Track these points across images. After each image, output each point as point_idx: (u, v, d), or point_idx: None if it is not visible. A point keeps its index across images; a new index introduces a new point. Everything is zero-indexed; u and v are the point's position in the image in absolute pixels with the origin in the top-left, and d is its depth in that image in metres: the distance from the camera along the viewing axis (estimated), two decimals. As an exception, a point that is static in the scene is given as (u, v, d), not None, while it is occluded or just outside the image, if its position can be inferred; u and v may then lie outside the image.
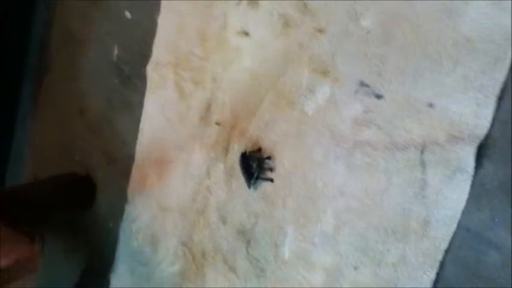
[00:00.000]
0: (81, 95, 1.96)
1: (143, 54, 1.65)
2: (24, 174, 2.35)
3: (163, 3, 1.59)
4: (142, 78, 1.66)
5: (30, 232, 1.80)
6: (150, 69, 1.64)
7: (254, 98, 1.35)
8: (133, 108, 1.71)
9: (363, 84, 1.13)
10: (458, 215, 0.99)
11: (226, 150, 1.43)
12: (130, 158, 1.72)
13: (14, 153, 2.42)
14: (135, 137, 1.70)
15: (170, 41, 1.58)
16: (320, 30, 1.21)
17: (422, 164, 1.02)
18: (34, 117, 2.28)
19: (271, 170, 1.31)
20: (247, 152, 1.34)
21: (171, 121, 1.58)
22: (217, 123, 1.44)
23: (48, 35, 2.16)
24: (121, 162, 1.77)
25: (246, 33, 1.37)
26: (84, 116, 1.95)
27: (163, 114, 1.61)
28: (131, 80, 1.72)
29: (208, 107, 1.47)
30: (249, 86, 1.36)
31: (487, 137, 0.96)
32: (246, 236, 1.37)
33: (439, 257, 1.01)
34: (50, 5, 2.14)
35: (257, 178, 1.33)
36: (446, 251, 1.01)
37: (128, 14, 1.73)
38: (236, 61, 1.40)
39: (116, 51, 1.79)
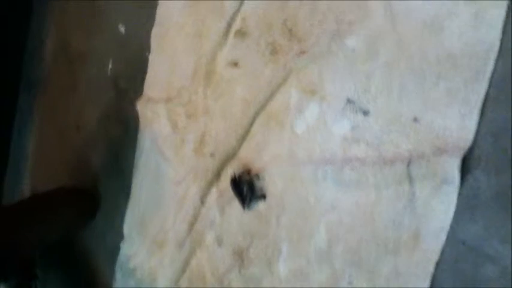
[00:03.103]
0: (78, 108, 1.97)
1: (138, 68, 1.66)
2: (21, 188, 2.35)
3: (153, 41, 1.62)
4: (138, 93, 1.67)
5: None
6: (141, 106, 1.65)
7: (245, 123, 1.37)
8: (129, 122, 1.71)
9: (349, 101, 1.14)
10: (447, 226, 1.00)
11: (219, 175, 1.44)
12: (127, 172, 1.72)
13: (11, 167, 2.42)
14: (131, 151, 1.71)
15: (161, 78, 1.60)
16: (306, 52, 1.23)
17: (410, 177, 1.04)
18: (31, 131, 2.29)
19: (261, 189, 1.33)
20: (236, 176, 1.36)
21: (166, 156, 1.60)
22: (212, 155, 1.45)
23: (44, 48, 2.17)
24: (118, 176, 1.78)
25: (236, 64, 1.39)
26: (81, 129, 1.96)
27: (157, 149, 1.62)
28: (126, 94, 1.73)
29: (202, 139, 1.48)
30: (240, 113, 1.38)
31: (478, 148, 0.97)
32: (241, 255, 1.38)
33: (431, 268, 1.02)
34: (45, 18, 2.16)
35: (250, 200, 1.34)
36: (443, 265, 1.01)
37: (122, 29, 1.74)
38: (227, 92, 1.41)
39: (110, 66, 1.80)
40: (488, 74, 0.95)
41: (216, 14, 1.43)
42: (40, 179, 2.25)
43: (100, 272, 1.89)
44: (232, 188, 1.36)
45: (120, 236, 1.76)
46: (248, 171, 1.35)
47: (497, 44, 0.94)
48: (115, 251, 1.78)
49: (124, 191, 1.73)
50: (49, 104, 2.18)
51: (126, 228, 1.74)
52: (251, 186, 1.33)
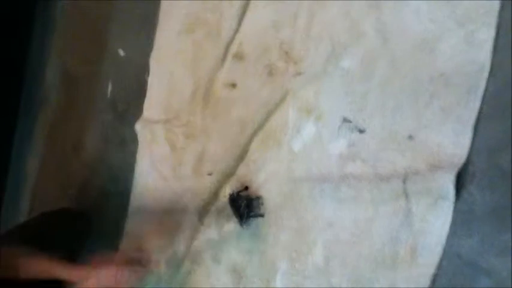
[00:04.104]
0: (76, 130, 1.96)
1: (137, 90, 1.67)
2: (20, 210, 2.33)
3: (152, 64, 1.64)
4: (136, 115, 1.68)
5: None
6: (140, 127, 1.65)
7: (242, 142, 1.39)
8: (127, 144, 1.72)
9: (345, 120, 1.17)
10: (443, 241, 1.01)
11: (217, 194, 1.45)
12: (125, 193, 1.73)
13: (9, 189, 2.39)
14: (130, 172, 1.71)
15: (160, 100, 1.61)
16: (302, 73, 1.26)
17: (406, 194, 1.06)
18: (30, 153, 2.27)
19: (259, 207, 1.34)
20: (235, 193, 1.37)
21: (165, 176, 1.61)
22: (210, 174, 1.46)
23: (45, 70, 2.17)
24: (116, 197, 1.78)
25: (234, 85, 1.41)
26: (79, 151, 1.95)
27: (156, 169, 1.63)
28: (125, 116, 1.74)
29: (200, 159, 1.49)
30: (238, 133, 1.40)
31: (472, 164, 1.00)
32: (239, 273, 1.38)
33: (428, 282, 1.03)
34: (45, 41, 2.16)
35: (248, 217, 1.35)
36: (440, 278, 1.03)
37: (121, 52, 1.76)
38: (225, 112, 1.43)
39: (110, 88, 1.81)
40: (480, 93, 0.99)
41: (213, 39, 1.45)
42: (39, 200, 2.23)
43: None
44: (230, 206, 1.37)
45: (118, 256, 1.76)
46: (246, 189, 1.36)
47: (487, 63, 0.98)
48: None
49: (123, 211, 1.73)
50: (48, 126, 2.18)
51: (125, 248, 1.74)
52: (248, 204, 1.34)
